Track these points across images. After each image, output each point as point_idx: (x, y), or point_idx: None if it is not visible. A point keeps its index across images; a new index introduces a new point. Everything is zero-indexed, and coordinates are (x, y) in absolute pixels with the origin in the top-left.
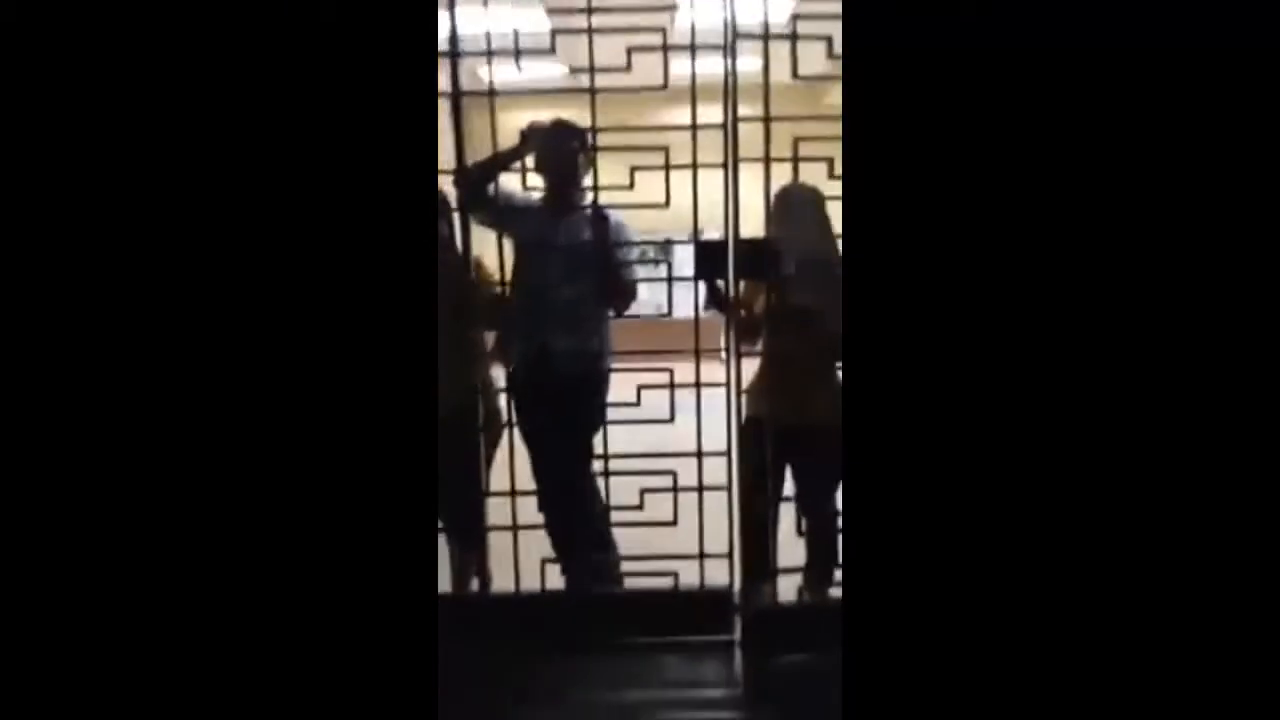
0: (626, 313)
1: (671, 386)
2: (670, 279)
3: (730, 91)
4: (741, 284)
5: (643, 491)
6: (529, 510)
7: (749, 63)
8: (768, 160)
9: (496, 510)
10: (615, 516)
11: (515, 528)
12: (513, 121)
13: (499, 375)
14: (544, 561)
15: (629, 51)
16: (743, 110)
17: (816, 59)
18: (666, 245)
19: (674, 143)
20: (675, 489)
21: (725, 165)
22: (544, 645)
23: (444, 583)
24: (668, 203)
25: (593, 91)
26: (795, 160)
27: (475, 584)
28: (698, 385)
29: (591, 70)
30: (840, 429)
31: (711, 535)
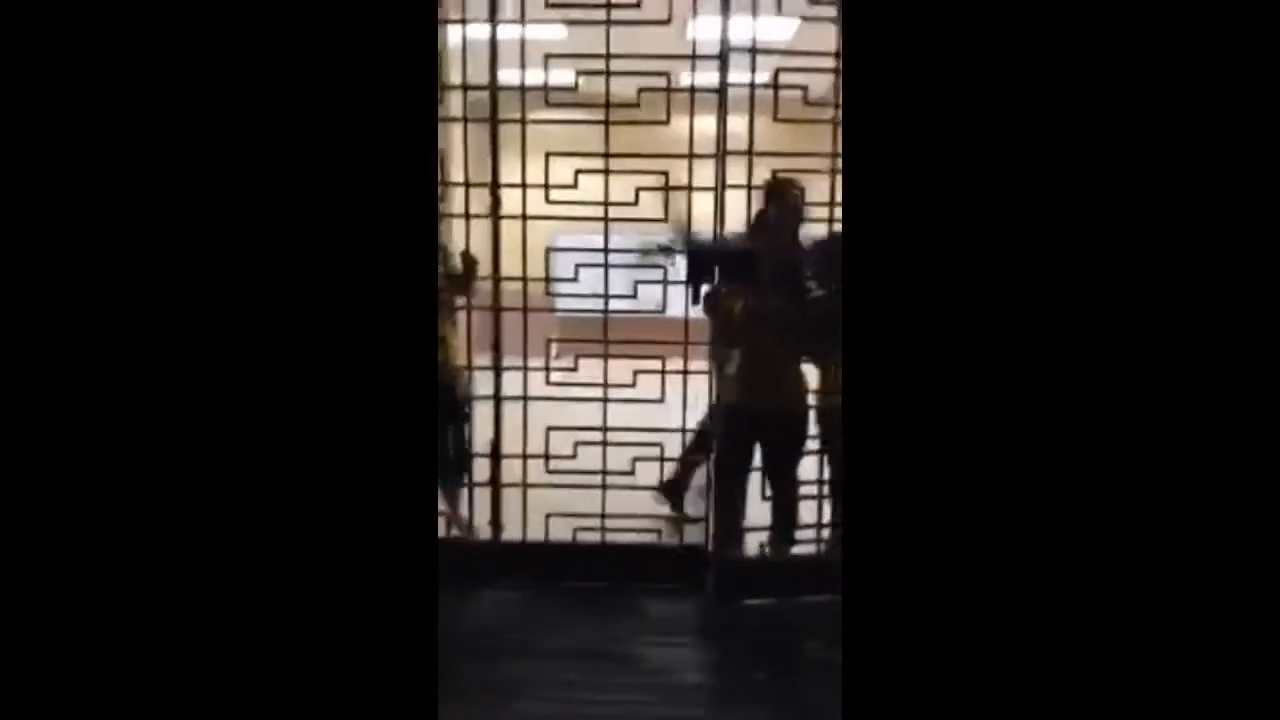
0: (627, 309)
1: (663, 372)
2: (665, 281)
3: (721, 128)
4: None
5: (635, 460)
6: (536, 470)
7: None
8: (749, 187)
9: (509, 470)
10: (610, 481)
11: (525, 485)
12: (541, 144)
13: None
14: (548, 516)
15: (639, 92)
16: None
17: (795, 105)
18: (667, 251)
19: (673, 168)
20: (662, 459)
21: (716, 189)
22: (548, 587)
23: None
24: (666, 217)
25: (607, 124)
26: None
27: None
28: (684, 372)
29: (607, 106)
30: (802, 414)
31: (692, 498)
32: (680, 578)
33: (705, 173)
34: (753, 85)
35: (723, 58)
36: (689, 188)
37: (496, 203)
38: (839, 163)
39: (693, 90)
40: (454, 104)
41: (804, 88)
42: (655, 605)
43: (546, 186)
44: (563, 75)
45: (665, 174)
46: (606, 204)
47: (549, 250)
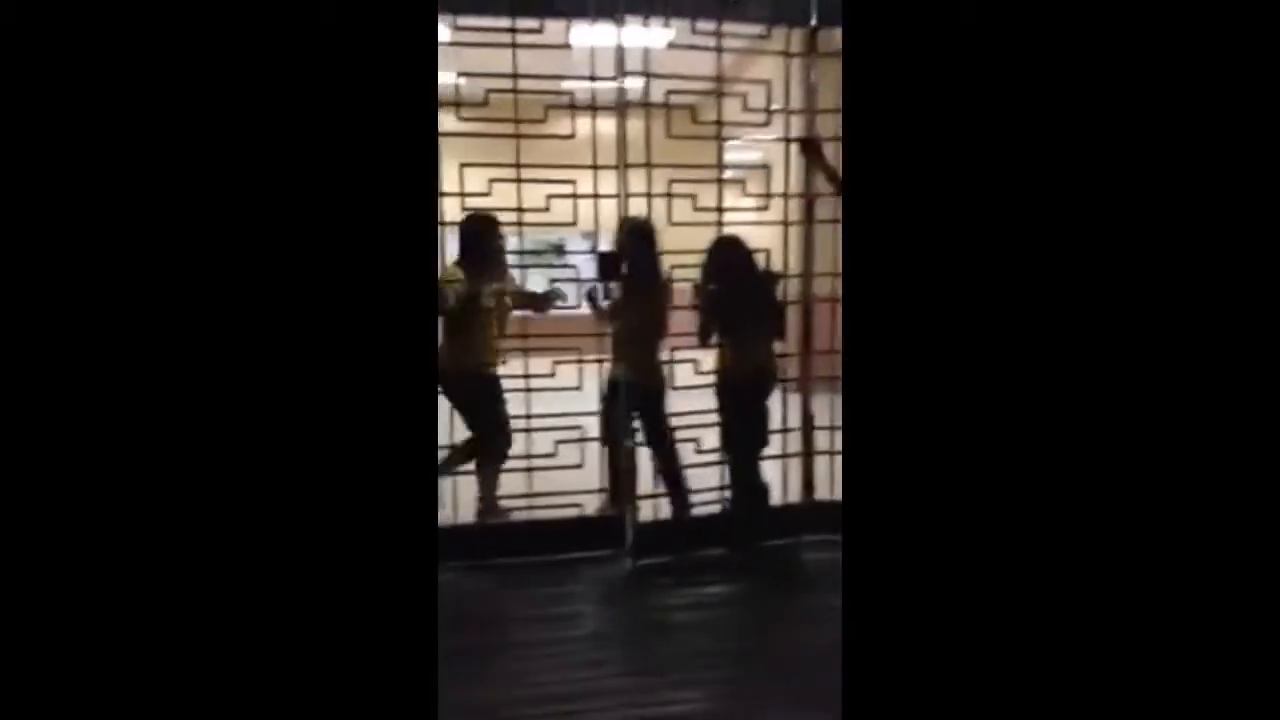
0: (550, 309)
1: (580, 362)
2: (579, 280)
3: (621, 142)
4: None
5: (557, 443)
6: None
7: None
8: (650, 195)
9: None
10: (535, 463)
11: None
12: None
13: None
14: (479, 498)
15: (546, 109)
16: (630, 158)
17: (685, 123)
18: (559, 250)
19: (579, 177)
20: (582, 440)
21: (618, 196)
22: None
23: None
24: (575, 221)
25: (518, 138)
26: (669, 196)
27: None
28: (599, 361)
29: (516, 121)
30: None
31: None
32: (603, 545)
33: (607, 181)
34: (647, 102)
35: (619, 81)
36: (595, 195)
37: None
38: (724, 173)
39: (594, 108)
40: None
41: (692, 107)
42: (579, 568)
43: (462, 195)
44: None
45: (574, 182)
46: (520, 209)
47: None
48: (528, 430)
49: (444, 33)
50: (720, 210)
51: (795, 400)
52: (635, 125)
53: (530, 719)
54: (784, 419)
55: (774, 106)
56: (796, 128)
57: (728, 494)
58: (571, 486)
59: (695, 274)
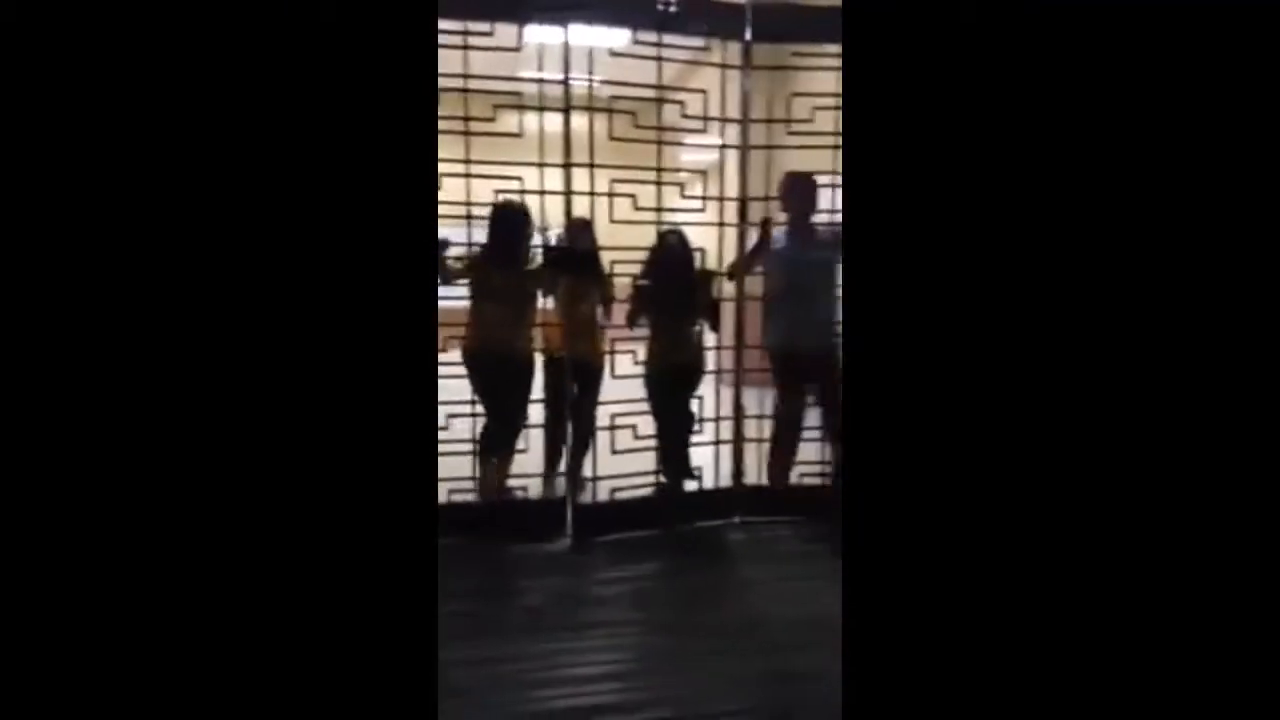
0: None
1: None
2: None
3: (567, 142)
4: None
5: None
6: None
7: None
8: (593, 193)
9: None
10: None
11: None
12: None
13: None
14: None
15: (495, 108)
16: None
17: (626, 126)
18: None
19: (527, 175)
20: (529, 426)
21: (564, 193)
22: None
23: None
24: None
25: (467, 135)
26: (611, 195)
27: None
28: (543, 351)
29: (466, 119)
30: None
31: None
32: (543, 527)
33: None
34: (591, 106)
35: (565, 84)
36: (541, 191)
37: None
38: (663, 175)
39: (541, 109)
40: None
41: (634, 113)
42: (526, 547)
43: None
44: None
45: (521, 179)
46: (469, 204)
47: None
48: (473, 415)
49: None
50: (659, 210)
51: (727, 392)
52: (580, 127)
53: (474, 676)
54: (717, 408)
55: (711, 114)
56: (731, 135)
57: (661, 478)
58: (516, 470)
59: (633, 269)
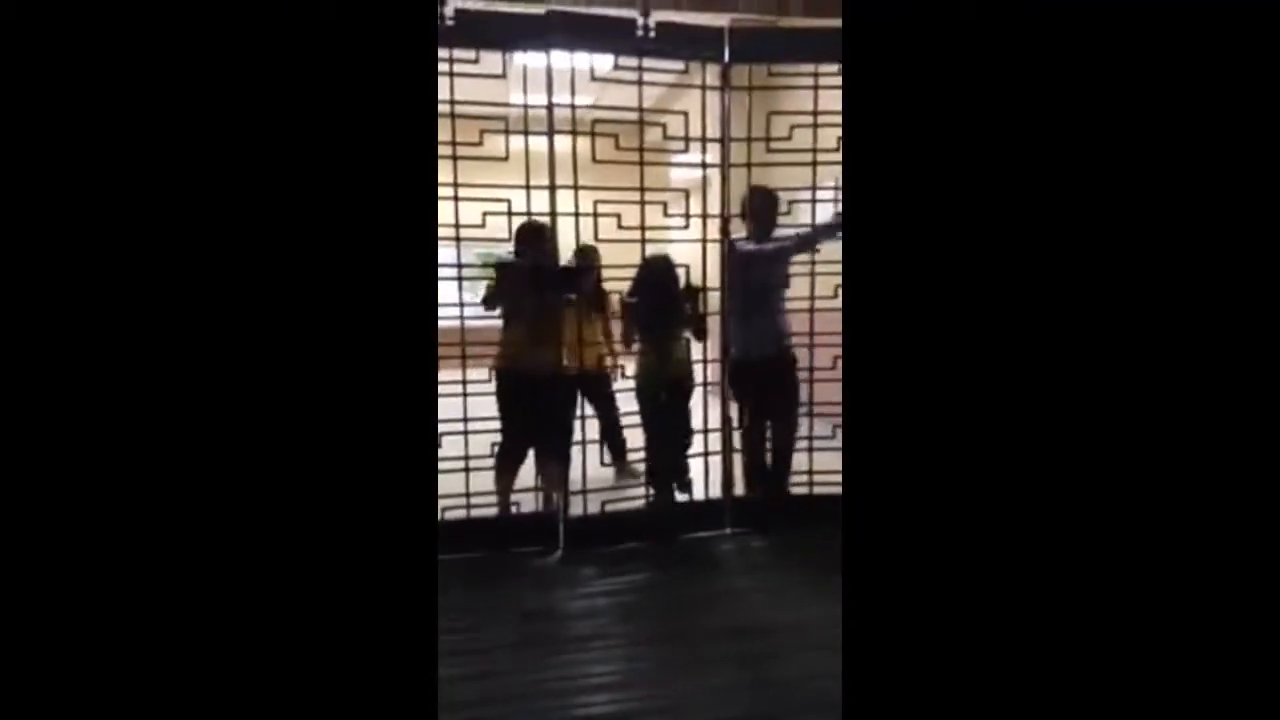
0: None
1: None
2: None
3: (551, 163)
4: None
5: (493, 445)
6: None
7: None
8: (577, 215)
9: None
10: (474, 464)
11: None
12: None
13: None
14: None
15: (482, 132)
16: (560, 179)
17: (609, 148)
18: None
19: (514, 197)
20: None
21: (550, 215)
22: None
23: None
24: (510, 237)
25: (454, 159)
26: (595, 215)
27: None
28: (529, 370)
29: (454, 143)
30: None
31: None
32: (537, 540)
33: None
34: (574, 129)
35: (549, 109)
36: (527, 213)
37: None
38: (646, 195)
39: (526, 132)
40: None
41: (616, 135)
42: (521, 558)
43: None
44: None
45: (508, 201)
46: (458, 225)
47: None
48: (465, 433)
49: None
50: (643, 228)
51: (716, 404)
52: (564, 150)
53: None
54: (705, 420)
55: (692, 134)
56: (712, 154)
57: (652, 490)
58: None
59: (621, 285)
